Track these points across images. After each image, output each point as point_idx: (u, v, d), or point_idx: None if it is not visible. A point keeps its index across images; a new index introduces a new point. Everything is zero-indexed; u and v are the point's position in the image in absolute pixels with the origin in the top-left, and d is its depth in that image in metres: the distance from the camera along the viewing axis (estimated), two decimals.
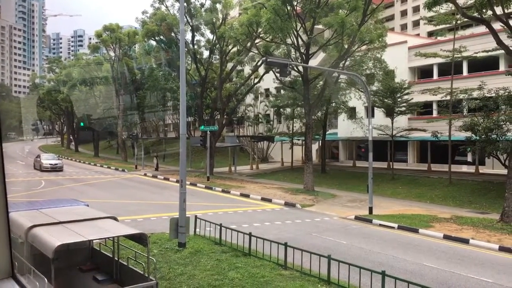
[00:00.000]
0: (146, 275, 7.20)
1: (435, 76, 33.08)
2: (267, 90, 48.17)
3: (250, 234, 11.53)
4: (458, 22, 28.00)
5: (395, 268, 11.13)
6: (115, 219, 7.99)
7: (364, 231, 16.40)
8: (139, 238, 7.36)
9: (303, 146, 34.74)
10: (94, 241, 8.52)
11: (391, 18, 73.32)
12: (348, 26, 24.10)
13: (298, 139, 39.63)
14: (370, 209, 19.70)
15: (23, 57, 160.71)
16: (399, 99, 30.41)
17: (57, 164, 37.57)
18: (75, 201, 10.73)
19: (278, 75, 27.68)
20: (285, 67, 18.28)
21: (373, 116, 26.57)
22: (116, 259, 8.08)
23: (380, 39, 27.33)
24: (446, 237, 15.19)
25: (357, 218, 18.85)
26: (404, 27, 72.21)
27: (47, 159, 38.31)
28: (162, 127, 68.30)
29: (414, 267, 11.43)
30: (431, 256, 12.71)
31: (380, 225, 17.44)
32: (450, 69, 28.59)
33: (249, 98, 48.80)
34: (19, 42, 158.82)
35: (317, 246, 12.89)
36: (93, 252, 8.79)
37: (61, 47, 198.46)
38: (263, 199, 23.75)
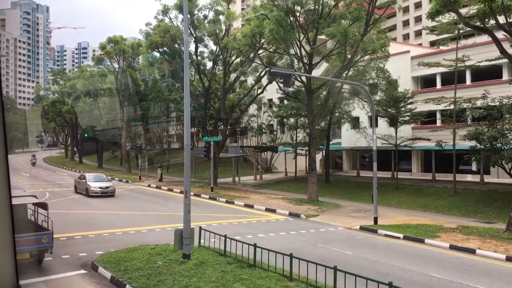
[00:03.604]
0: (47, 228, 11.64)
1: (438, 85, 33.08)
2: (270, 100, 48.35)
3: (255, 245, 11.44)
4: (461, 31, 28.04)
5: (402, 279, 11.02)
6: (34, 196, 12.72)
7: (369, 241, 16.29)
8: (43, 205, 11.97)
9: (307, 156, 34.71)
10: (29, 213, 13.04)
11: (393, 28, 73.60)
12: (351, 36, 24.21)
13: (302, 149, 39.63)
14: (375, 219, 19.57)
15: (27, 69, 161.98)
16: (402, 109, 30.45)
17: (108, 187, 28.29)
18: (16, 188, 16.01)
19: (281, 85, 27.81)
20: (288, 77, 18.30)
21: (376, 125, 26.55)
22: (36, 223, 12.82)
23: (383, 49, 27.48)
24: (452, 247, 15.06)
25: (362, 228, 18.74)
26: (406, 37, 72.50)
27: (95, 181, 28.75)
28: (166, 138, 68.45)
29: (420, 278, 11.32)
30: (437, 266, 12.59)
31: (386, 235, 17.32)
32: (453, 78, 28.58)
33: (252, 109, 48.99)
34: (24, 55, 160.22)
35: (323, 257, 12.79)
36: (28, 221, 13.03)
37: (65, 59, 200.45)
38: (267, 209, 23.66)
